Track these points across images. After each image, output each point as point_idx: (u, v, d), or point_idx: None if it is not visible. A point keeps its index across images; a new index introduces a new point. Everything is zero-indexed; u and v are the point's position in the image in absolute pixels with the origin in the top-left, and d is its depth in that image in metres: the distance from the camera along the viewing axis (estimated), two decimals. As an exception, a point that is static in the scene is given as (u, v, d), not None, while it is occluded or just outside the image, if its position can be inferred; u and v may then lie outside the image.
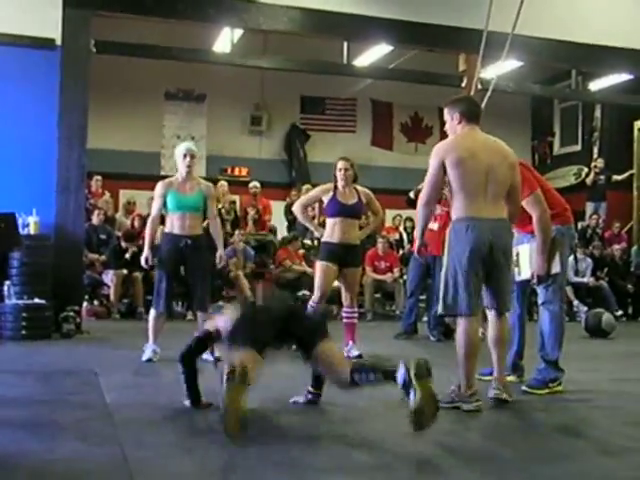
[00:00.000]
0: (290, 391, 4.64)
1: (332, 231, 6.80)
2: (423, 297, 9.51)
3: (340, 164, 6.91)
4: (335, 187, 6.89)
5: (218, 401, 3.70)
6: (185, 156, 6.38)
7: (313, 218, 9.14)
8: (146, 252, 6.41)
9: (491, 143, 4.62)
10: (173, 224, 6.33)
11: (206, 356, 5.57)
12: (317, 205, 7.50)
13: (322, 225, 7.32)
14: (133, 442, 3.52)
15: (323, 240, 6.91)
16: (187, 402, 4.33)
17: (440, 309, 4.59)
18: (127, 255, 10.42)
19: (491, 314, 4.62)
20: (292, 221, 12.19)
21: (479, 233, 4.40)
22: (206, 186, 6.55)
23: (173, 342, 6.59)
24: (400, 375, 3.72)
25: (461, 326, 4.47)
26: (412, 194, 8.44)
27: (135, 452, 3.36)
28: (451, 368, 5.64)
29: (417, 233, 4.72)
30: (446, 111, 4.72)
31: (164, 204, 6.39)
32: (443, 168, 4.46)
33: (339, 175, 6.86)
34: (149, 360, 6.17)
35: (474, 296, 4.46)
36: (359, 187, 6.99)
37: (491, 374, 5.42)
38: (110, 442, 3.52)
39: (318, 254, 7.10)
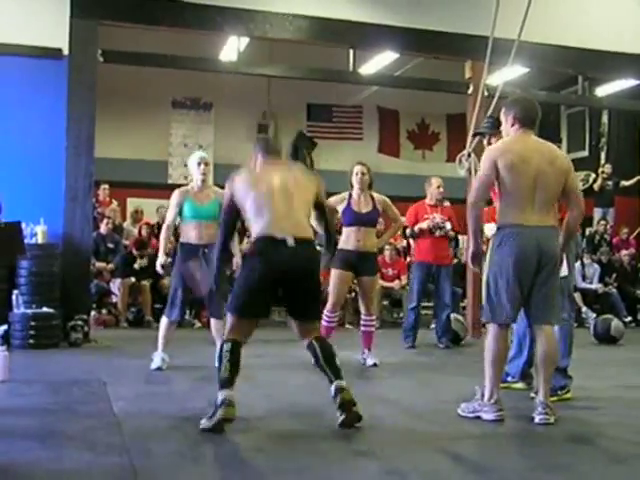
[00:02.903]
0: (297, 398, 4.64)
1: (347, 238, 6.79)
2: (430, 304, 9.48)
3: (357, 168, 6.90)
4: (350, 195, 6.88)
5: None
6: (199, 164, 6.42)
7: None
8: (161, 258, 6.44)
9: (542, 148, 4.51)
10: (189, 234, 6.34)
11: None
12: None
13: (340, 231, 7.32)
14: (141, 451, 3.53)
15: (339, 247, 6.89)
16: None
17: (483, 316, 4.51)
18: (136, 265, 10.45)
19: (539, 329, 4.45)
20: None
21: (526, 241, 4.31)
22: (221, 194, 6.57)
23: (181, 351, 6.64)
24: (332, 389, 4.17)
25: (492, 333, 4.41)
26: (408, 232, 8.48)
27: (143, 461, 3.36)
28: (462, 376, 5.64)
29: (470, 239, 4.53)
30: (502, 112, 4.65)
31: (179, 212, 6.42)
32: (496, 170, 4.36)
33: (355, 179, 6.85)
34: (158, 369, 6.18)
35: (515, 305, 4.40)
36: (375, 194, 6.95)
37: (502, 382, 5.42)
38: (118, 451, 3.52)
39: (333, 261, 7.08)
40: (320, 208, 4.54)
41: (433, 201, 8.47)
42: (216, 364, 4.21)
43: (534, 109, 4.59)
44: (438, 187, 8.44)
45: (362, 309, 6.98)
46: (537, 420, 4.29)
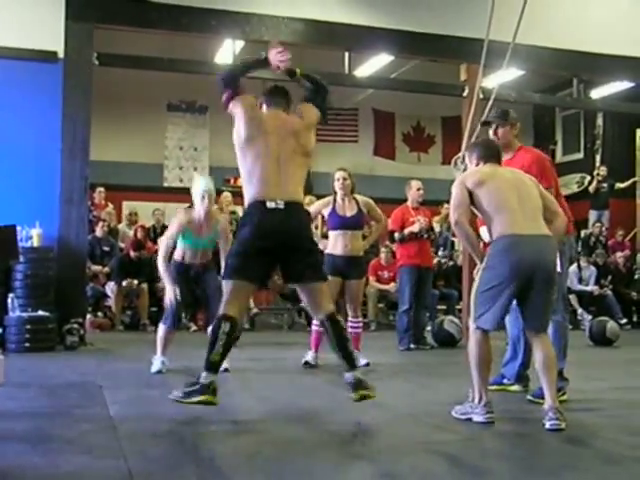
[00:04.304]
0: (293, 402, 4.64)
1: (335, 243, 6.86)
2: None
3: (338, 174, 6.98)
4: (334, 200, 6.94)
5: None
6: (203, 198, 6.13)
7: (316, 228, 9.21)
8: (171, 292, 6.10)
9: (510, 169, 4.72)
10: (185, 254, 6.28)
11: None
12: (319, 216, 7.61)
13: (326, 236, 7.37)
14: (137, 455, 3.52)
15: (327, 252, 6.95)
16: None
17: (472, 320, 4.48)
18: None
19: (535, 336, 4.43)
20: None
21: (523, 253, 4.28)
22: (224, 224, 6.42)
23: (177, 354, 6.63)
24: (346, 379, 4.27)
25: (474, 337, 4.41)
26: (397, 236, 8.47)
27: (139, 465, 3.35)
28: (458, 378, 5.64)
29: (472, 254, 4.55)
30: (466, 157, 4.85)
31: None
32: (467, 190, 4.43)
33: (337, 185, 6.95)
34: (158, 372, 6.19)
35: (505, 314, 4.44)
36: (359, 197, 7.04)
37: (499, 384, 5.45)
38: (114, 455, 3.51)
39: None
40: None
41: (415, 204, 8.53)
42: (208, 339, 4.23)
43: (494, 146, 4.82)
44: (418, 190, 8.52)
45: (349, 312, 7.08)
46: (548, 426, 4.19)
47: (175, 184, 14.77)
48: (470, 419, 4.38)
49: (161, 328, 6.37)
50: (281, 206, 4.24)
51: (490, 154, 4.67)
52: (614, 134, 15.47)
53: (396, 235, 8.46)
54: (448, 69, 10.92)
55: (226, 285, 4.33)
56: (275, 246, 4.23)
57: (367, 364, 6.87)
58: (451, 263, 12.23)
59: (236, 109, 4.45)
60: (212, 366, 4.16)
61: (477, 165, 4.66)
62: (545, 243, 4.38)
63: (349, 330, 7.04)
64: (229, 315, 4.22)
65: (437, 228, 9.53)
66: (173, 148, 14.93)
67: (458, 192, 4.47)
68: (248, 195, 4.34)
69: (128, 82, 12.65)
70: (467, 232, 4.45)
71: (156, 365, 6.23)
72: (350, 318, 7.04)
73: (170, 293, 6.09)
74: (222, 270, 4.55)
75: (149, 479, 3.24)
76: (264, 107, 4.60)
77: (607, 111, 14.60)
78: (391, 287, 11.29)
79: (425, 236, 8.49)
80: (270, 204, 4.23)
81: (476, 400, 4.41)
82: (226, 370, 5.33)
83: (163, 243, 6.28)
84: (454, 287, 11.62)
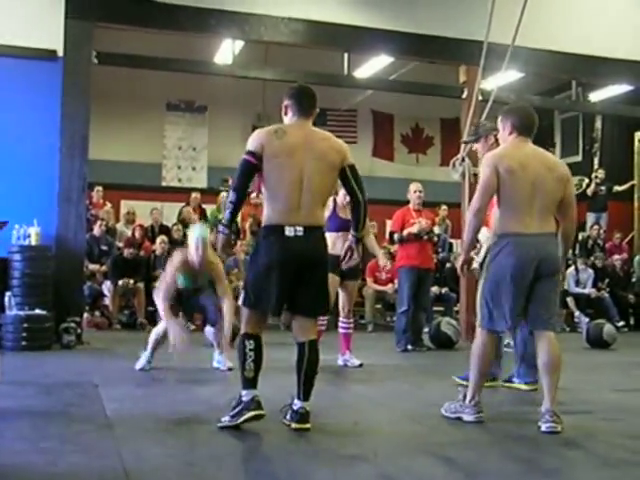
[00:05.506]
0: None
1: (335, 243, 6.83)
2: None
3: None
4: (334, 201, 6.97)
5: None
6: (197, 247, 6.14)
7: None
8: (171, 327, 6.03)
9: (540, 155, 4.49)
10: (183, 289, 6.34)
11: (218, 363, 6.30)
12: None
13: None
14: (133, 455, 3.51)
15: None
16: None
17: (479, 323, 4.46)
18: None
19: (540, 335, 4.38)
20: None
21: (525, 250, 4.27)
22: (218, 267, 6.40)
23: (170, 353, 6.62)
24: (295, 405, 4.16)
25: (481, 339, 4.40)
26: (397, 237, 8.52)
27: (135, 465, 3.35)
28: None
29: (465, 247, 4.47)
30: (499, 119, 4.63)
31: None
32: (496, 175, 4.31)
33: (340, 194, 6.92)
34: (142, 369, 6.27)
35: (515, 313, 4.35)
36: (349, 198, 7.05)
37: (494, 379, 5.50)
38: (110, 455, 3.51)
39: None
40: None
41: (416, 206, 8.56)
42: (238, 360, 4.17)
43: (532, 117, 4.56)
44: (415, 192, 8.54)
45: (343, 312, 7.16)
46: (544, 429, 4.19)
47: (173, 184, 14.78)
48: (460, 418, 4.39)
49: (161, 326, 6.34)
50: (300, 233, 4.03)
51: (527, 128, 4.50)
52: (613, 137, 15.48)
53: (395, 236, 8.53)
54: (447, 71, 10.93)
55: (244, 311, 4.22)
56: (291, 272, 4.07)
57: (360, 365, 6.93)
58: (449, 265, 12.22)
59: (261, 154, 4.26)
60: (249, 383, 4.09)
61: (510, 134, 4.49)
62: (547, 240, 4.36)
63: (342, 331, 7.13)
64: (250, 333, 4.15)
65: (437, 230, 9.53)
66: (172, 147, 14.93)
67: (489, 176, 4.33)
68: (267, 215, 4.15)
69: (127, 81, 12.64)
70: (478, 226, 4.41)
71: (142, 362, 6.32)
72: (342, 319, 7.16)
73: (172, 333, 5.92)
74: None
75: (145, 478, 3.24)
76: (289, 114, 4.39)
77: (606, 114, 14.61)
78: (388, 288, 11.29)
79: (425, 237, 8.53)
80: (289, 231, 4.03)
81: (467, 399, 4.42)
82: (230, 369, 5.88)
83: (163, 282, 6.29)
84: (453, 289, 11.60)
